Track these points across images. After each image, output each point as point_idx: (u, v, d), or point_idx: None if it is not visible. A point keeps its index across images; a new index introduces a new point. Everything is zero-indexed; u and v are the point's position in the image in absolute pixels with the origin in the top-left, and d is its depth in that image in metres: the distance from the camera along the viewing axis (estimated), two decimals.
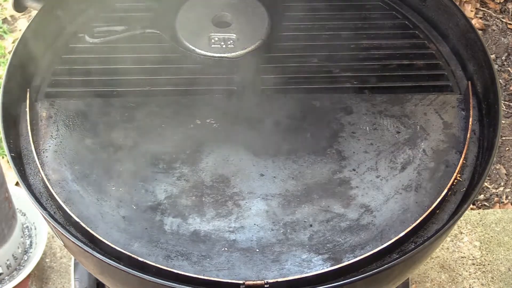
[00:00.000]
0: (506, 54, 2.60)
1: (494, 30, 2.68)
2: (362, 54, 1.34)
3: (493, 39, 2.65)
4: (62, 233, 1.04)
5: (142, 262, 1.01)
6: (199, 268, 1.02)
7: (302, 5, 1.43)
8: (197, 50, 1.32)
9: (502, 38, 2.65)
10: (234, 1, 1.41)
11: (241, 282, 0.98)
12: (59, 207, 1.10)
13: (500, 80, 2.50)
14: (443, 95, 1.27)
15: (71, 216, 1.07)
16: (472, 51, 1.30)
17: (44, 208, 1.09)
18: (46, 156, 1.16)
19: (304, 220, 1.08)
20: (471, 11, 2.73)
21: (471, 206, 2.12)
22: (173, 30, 1.36)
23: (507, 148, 2.33)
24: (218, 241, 1.06)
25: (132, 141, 1.19)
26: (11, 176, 2.00)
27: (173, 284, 0.97)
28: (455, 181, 1.14)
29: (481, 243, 2.00)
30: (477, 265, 1.96)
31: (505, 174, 2.26)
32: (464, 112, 1.24)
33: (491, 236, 2.02)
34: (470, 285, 1.92)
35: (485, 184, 2.22)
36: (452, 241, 2.00)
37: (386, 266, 1.00)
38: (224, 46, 1.33)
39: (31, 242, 1.85)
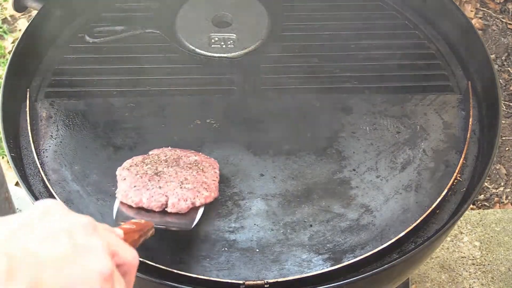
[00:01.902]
0: (506, 54, 2.60)
1: (494, 30, 2.68)
2: (362, 54, 1.35)
3: (493, 39, 2.65)
4: None
5: (142, 262, 1.00)
6: (199, 268, 1.02)
7: (302, 5, 1.43)
8: (197, 50, 1.32)
9: (502, 38, 2.65)
10: (234, 1, 1.41)
11: (241, 282, 0.98)
12: None
13: (500, 80, 2.50)
14: (443, 95, 1.27)
15: None
16: (472, 51, 1.30)
17: None
18: (46, 156, 1.16)
19: (304, 220, 1.08)
20: (471, 11, 2.73)
21: (471, 206, 2.12)
22: (173, 30, 1.36)
23: (507, 148, 2.33)
24: (218, 241, 1.06)
25: (132, 141, 1.19)
26: (11, 176, 2.00)
27: (173, 284, 0.97)
28: (455, 181, 1.14)
29: (481, 243, 2.00)
30: (477, 265, 1.96)
31: (505, 174, 2.26)
32: (464, 112, 1.24)
33: (491, 236, 2.02)
34: (470, 285, 1.92)
35: (485, 184, 2.22)
36: (452, 241, 2.00)
37: (386, 266, 1.00)
38: (224, 46, 1.33)
39: None
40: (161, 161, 1.07)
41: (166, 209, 1.02)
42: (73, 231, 0.64)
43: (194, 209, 1.03)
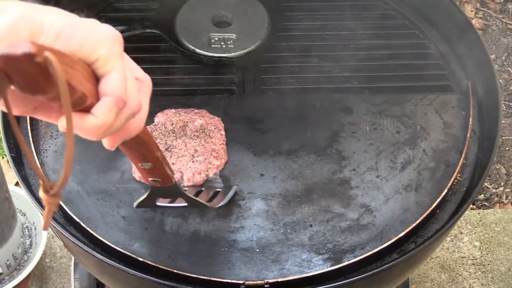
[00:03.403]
0: (506, 54, 2.60)
1: (494, 30, 2.68)
2: (362, 54, 1.35)
3: (493, 39, 2.65)
4: (62, 233, 1.04)
5: (142, 262, 1.01)
6: (199, 268, 1.02)
7: (302, 5, 1.43)
8: (197, 50, 1.32)
9: (502, 38, 2.65)
10: (234, 1, 1.41)
11: (241, 282, 0.98)
12: (59, 207, 1.10)
13: (500, 80, 2.50)
14: (443, 95, 1.27)
15: (71, 216, 1.07)
16: (472, 51, 1.30)
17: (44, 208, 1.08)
18: (46, 156, 1.16)
19: (304, 220, 1.08)
20: (471, 11, 2.73)
21: (471, 206, 2.12)
22: (173, 30, 1.36)
23: (507, 148, 2.33)
24: (218, 241, 1.06)
25: None
26: (11, 176, 2.00)
27: (173, 284, 0.97)
28: (455, 181, 1.14)
29: (481, 243, 2.00)
30: (477, 265, 1.96)
31: (505, 174, 2.26)
32: (464, 112, 1.24)
33: (491, 236, 2.02)
34: (470, 285, 1.92)
35: (485, 184, 2.22)
36: (452, 241, 2.00)
37: (386, 266, 1.00)
38: (224, 46, 1.33)
39: (31, 242, 1.85)
40: (168, 132, 1.14)
41: (182, 184, 1.09)
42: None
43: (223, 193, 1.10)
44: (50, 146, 1.17)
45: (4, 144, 1.15)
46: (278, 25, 1.38)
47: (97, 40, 0.60)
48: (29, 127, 1.18)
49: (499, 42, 2.64)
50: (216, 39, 1.34)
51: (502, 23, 2.70)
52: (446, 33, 1.37)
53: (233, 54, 1.32)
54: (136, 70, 0.69)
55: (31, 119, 1.20)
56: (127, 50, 1.44)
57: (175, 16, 1.38)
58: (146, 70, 1.31)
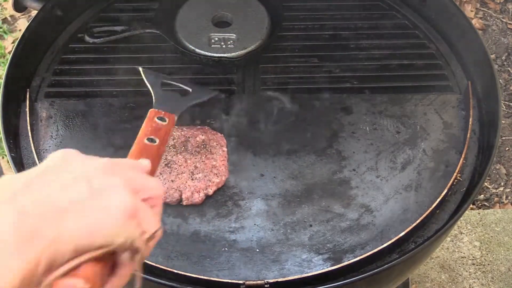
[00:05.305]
0: (506, 54, 2.60)
1: (494, 30, 2.68)
2: (362, 54, 1.34)
3: (493, 39, 2.65)
4: None
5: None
6: (199, 268, 1.02)
7: (302, 5, 1.43)
8: (197, 50, 1.32)
9: (502, 38, 2.65)
10: (234, 1, 1.40)
11: (241, 282, 0.98)
12: None
13: (500, 80, 2.50)
14: (443, 95, 1.27)
15: None
16: (472, 51, 1.30)
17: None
18: (46, 156, 1.16)
19: (304, 220, 1.08)
20: (471, 11, 2.73)
21: (471, 206, 2.12)
22: (173, 30, 1.36)
23: (507, 148, 2.33)
24: (218, 241, 1.06)
25: (132, 141, 1.18)
26: None
27: (173, 284, 0.97)
28: (455, 181, 1.14)
29: (481, 243, 2.00)
30: (477, 265, 1.96)
31: (505, 174, 2.26)
32: (464, 112, 1.24)
33: (491, 236, 2.02)
34: (470, 285, 1.92)
35: (485, 184, 2.22)
36: (452, 241, 2.00)
37: (386, 266, 1.00)
38: (224, 46, 1.32)
39: None
40: (169, 147, 1.12)
41: (181, 203, 1.08)
42: (90, 175, 0.62)
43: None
44: (50, 146, 1.17)
45: (4, 144, 1.14)
46: (278, 25, 1.38)
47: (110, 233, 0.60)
48: (29, 127, 1.18)
49: (499, 42, 2.64)
50: (216, 39, 1.34)
51: (502, 23, 2.70)
52: (446, 33, 1.37)
53: (233, 54, 1.32)
54: (147, 186, 0.67)
55: (31, 119, 1.20)
56: (127, 50, 1.44)
57: (175, 16, 1.38)
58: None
